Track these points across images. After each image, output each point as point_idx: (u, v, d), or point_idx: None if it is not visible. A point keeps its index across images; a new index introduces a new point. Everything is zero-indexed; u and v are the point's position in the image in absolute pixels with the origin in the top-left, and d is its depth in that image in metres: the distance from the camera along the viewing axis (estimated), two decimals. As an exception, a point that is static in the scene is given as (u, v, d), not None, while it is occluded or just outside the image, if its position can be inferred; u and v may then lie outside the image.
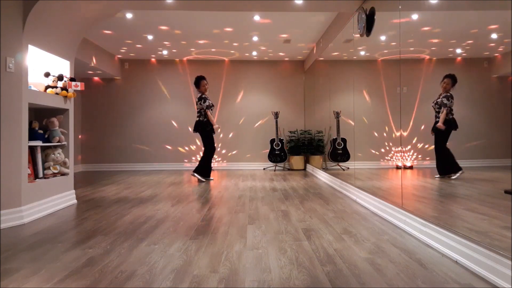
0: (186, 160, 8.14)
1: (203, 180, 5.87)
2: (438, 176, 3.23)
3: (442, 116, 3.04)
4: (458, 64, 2.99)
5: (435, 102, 3.13)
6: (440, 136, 3.10)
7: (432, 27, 3.13)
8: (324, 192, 4.77)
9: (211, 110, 5.82)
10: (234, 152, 8.23)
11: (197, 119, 5.81)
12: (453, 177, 3.12)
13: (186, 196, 4.50)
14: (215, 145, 6.18)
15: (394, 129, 3.70)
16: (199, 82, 5.90)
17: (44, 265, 2.10)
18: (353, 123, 4.66)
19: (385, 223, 3.04)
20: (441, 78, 3.06)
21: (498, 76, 2.64)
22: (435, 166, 3.24)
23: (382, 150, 4.23)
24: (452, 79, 3.02)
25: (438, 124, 3.08)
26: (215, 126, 5.80)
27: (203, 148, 5.95)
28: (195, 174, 5.83)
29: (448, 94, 3.00)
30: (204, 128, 5.77)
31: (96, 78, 8.02)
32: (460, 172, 3.04)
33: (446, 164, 3.13)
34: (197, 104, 5.80)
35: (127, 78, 8.15)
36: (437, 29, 3.10)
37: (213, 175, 6.64)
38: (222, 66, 8.20)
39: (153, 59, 8.13)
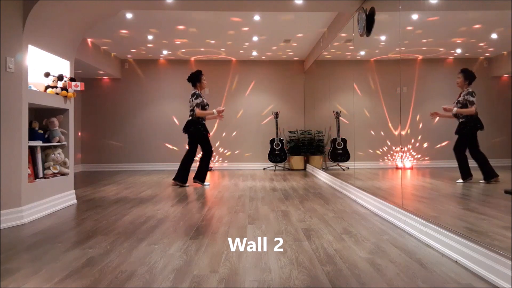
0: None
1: (205, 184, 5.42)
2: (485, 180, 2.77)
3: (466, 110, 2.70)
4: (458, 64, 2.98)
5: (456, 101, 2.84)
6: (473, 136, 2.73)
7: (432, 26, 3.13)
8: (324, 192, 4.77)
9: (206, 109, 5.27)
10: (234, 152, 8.23)
11: (189, 118, 5.28)
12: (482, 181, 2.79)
13: (186, 196, 4.50)
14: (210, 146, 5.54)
15: (394, 129, 3.70)
16: (199, 78, 5.33)
17: (44, 265, 2.10)
18: (353, 123, 4.66)
19: (385, 223, 3.04)
20: (441, 78, 3.04)
21: (498, 76, 2.64)
22: (481, 171, 2.75)
23: (382, 150, 4.23)
24: (463, 73, 2.80)
25: (457, 110, 2.72)
26: (216, 112, 5.17)
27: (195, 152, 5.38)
28: (197, 181, 5.39)
29: (470, 90, 2.75)
30: (193, 128, 5.18)
31: (96, 78, 8.01)
32: (469, 178, 2.84)
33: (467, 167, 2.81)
34: (190, 101, 5.24)
35: (127, 78, 8.15)
36: (437, 29, 3.10)
37: (213, 175, 6.64)
38: (222, 66, 8.19)
39: (153, 59, 8.13)
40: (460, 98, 2.81)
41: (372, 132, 4.54)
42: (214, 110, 5.24)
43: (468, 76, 2.76)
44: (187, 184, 5.35)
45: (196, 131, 5.22)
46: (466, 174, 2.89)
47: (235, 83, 8.24)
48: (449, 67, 3.03)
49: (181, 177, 5.30)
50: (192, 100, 5.20)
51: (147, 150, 8.11)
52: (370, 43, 4.05)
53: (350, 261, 2.12)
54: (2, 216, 3.01)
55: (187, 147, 5.40)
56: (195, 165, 5.41)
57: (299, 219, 3.19)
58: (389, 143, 4.09)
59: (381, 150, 4.29)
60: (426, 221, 2.50)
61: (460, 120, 2.86)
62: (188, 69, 8.14)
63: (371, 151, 4.56)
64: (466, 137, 2.81)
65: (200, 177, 5.39)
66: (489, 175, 2.73)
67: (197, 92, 5.26)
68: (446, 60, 3.11)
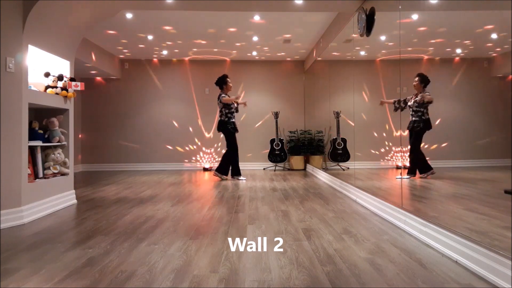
0: (186, 160, 8.14)
1: (225, 178, 6.05)
2: (422, 175, 3.30)
3: (428, 97, 3.06)
4: (458, 64, 2.98)
5: (413, 100, 3.13)
6: (419, 135, 3.15)
7: (432, 27, 3.13)
8: (324, 192, 4.77)
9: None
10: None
11: (219, 118, 6.00)
12: (424, 177, 3.24)
13: (186, 196, 4.50)
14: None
15: (394, 129, 3.70)
16: (225, 81, 6.01)
17: (44, 265, 2.10)
18: (353, 123, 4.66)
19: (385, 223, 3.04)
20: (442, 78, 3.06)
21: (498, 76, 2.64)
22: (411, 166, 3.29)
23: (382, 150, 4.23)
24: (419, 77, 3.09)
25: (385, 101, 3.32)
26: (239, 101, 6.04)
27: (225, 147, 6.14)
28: (217, 173, 6.04)
29: (427, 93, 3.07)
30: (226, 127, 5.90)
31: (96, 78, 8.02)
32: (430, 171, 3.16)
33: (424, 163, 3.22)
34: (218, 104, 5.98)
35: (127, 78, 8.15)
36: (437, 29, 3.10)
37: (212, 175, 6.64)
38: (222, 66, 8.19)
39: (153, 59, 8.13)
40: (417, 98, 3.15)
41: (372, 132, 4.54)
42: (237, 100, 6.05)
43: (423, 80, 3.10)
44: (243, 178, 6.08)
45: (225, 130, 5.93)
46: (427, 168, 3.22)
47: (236, 83, 8.23)
48: (449, 67, 3.03)
49: (234, 171, 6.07)
50: (219, 102, 5.91)
51: (147, 150, 8.10)
52: (370, 43, 4.04)
53: (350, 261, 2.12)
54: (2, 216, 3.01)
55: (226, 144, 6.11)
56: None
57: (299, 219, 3.19)
58: (389, 143, 4.09)
59: (381, 150, 4.29)
60: (426, 221, 2.50)
61: (413, 119, 3.20)
62: (188, 69, 8.15)
63: (371, 151, 4.56)
64: (418, 135, 3.16)
65: (222, 170, 6.04)
66: (411, 171, 3.32)
67: (222, 94, 5.96)
68: (446, 60, 3.11)
